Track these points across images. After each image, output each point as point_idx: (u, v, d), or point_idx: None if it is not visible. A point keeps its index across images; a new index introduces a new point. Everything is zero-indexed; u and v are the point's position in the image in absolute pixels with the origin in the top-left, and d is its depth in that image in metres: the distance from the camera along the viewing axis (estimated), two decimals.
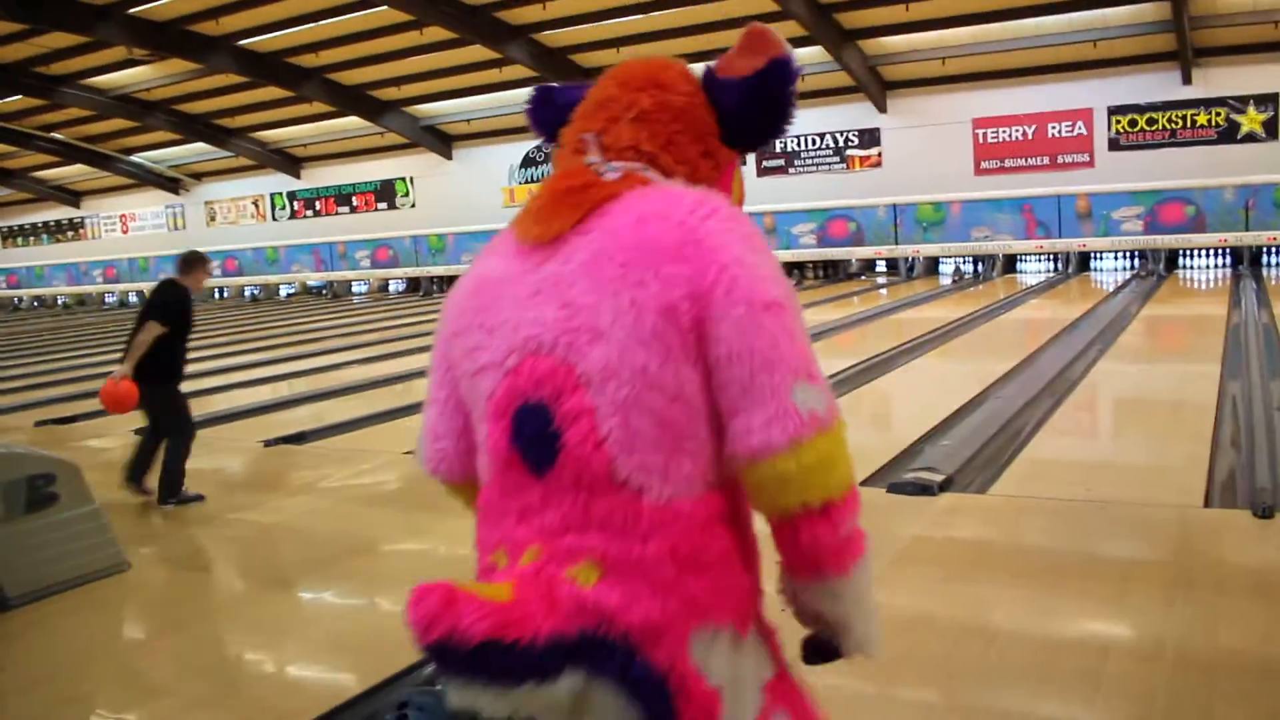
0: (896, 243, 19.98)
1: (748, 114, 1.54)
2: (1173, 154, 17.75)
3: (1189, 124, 17.66)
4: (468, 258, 24.55)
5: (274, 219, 28.70)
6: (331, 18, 18.57)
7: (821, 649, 1.48)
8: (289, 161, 27.46)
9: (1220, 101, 17.35)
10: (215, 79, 21.66)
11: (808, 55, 17.16)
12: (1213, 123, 17.47)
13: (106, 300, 32.42)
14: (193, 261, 6.05)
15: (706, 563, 1.34)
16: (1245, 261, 17.00)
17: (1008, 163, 19.25)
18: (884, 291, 18.29)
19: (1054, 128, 18.76)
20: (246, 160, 27.34)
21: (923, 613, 3.56)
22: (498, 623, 1.22)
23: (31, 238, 34.61)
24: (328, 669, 3.77)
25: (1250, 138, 17.27)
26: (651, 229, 1.36)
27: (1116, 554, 4.22)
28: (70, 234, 33.46)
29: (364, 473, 6.53)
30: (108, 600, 4.45)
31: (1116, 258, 18.35)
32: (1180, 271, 17.57)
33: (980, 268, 19.63)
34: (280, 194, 28.44)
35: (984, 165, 19.47)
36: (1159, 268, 17.48)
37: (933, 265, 20.10)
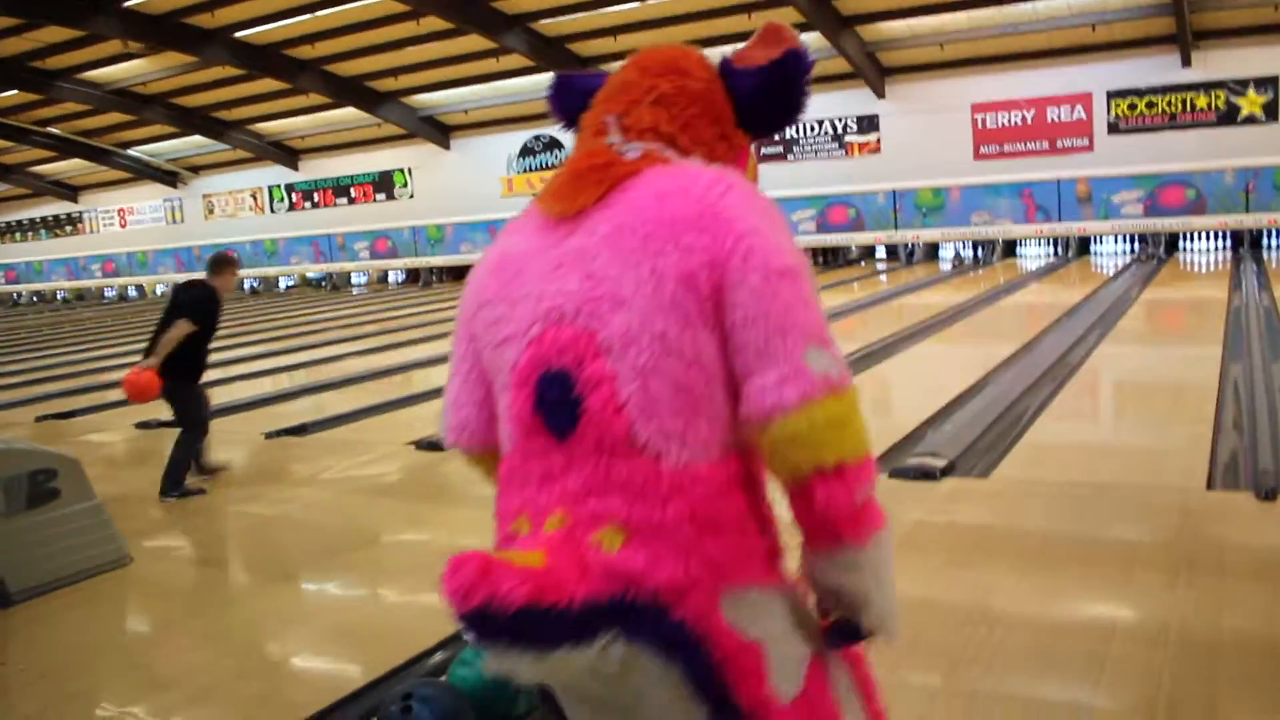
0: (896, 228, 19.94)
1: (763, 101, 1.61)
2: (1172, 137, 17.70)
3: (1189, 107, 17.61)
4: (467, 248, 24.54)
5: (272, 211, 28.64)
6: (328, 9, 18.50)
7: (843, 630, 1.49)
8: (287, 153, 27.41)
9: (1220, 84, 17.29)
10: (211, 71, 21.59)
11: (805, 41, 17.03)
12: (1212, 106, 17.42)
13: (106, 295, 32.40)
14: (222, 263, 6.20)
15: (725, 525, 1.38)
16: (1246, 244, 16.97)
17: (1007, 147, 19.20)
18: (884, 277, 18.28)
19: (1053, 112, 18.70)
20: (244, 153, 27.27)
21: (926, 597, 3.55)
22: (535, 588, 1.25)
23: (30, 233, 34.56)
24: (332, 660, 3.77)
25: (1250, 120, 17.22)
26: (671, 203, 1.41)
27: (1119, 537, 4.22)
28: (68, 229, 33.42)
29: (365, 464, 6.53)
30: (110, 594, 4.45)
31: (1117, 241, 18.32)
32: (1180, 255, 17.54)
33: (980, 253, 19.59)
34: (278, 186, 28.38)
35: (983, 150, 19.43)
36: (1159, 251, 17.45)
37: (932, 251, 20.07)
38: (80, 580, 4.46)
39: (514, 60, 20.13)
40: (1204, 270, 15.82)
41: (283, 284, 28.68)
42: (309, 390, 9.71)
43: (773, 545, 1.48)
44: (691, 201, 1.41)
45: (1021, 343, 8.96)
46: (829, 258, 21.10)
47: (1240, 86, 17.17)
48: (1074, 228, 18.32)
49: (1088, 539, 4.22)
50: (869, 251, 21.04)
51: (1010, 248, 19.29)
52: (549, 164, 23.59)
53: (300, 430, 7.45)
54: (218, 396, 7.18)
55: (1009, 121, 19.13)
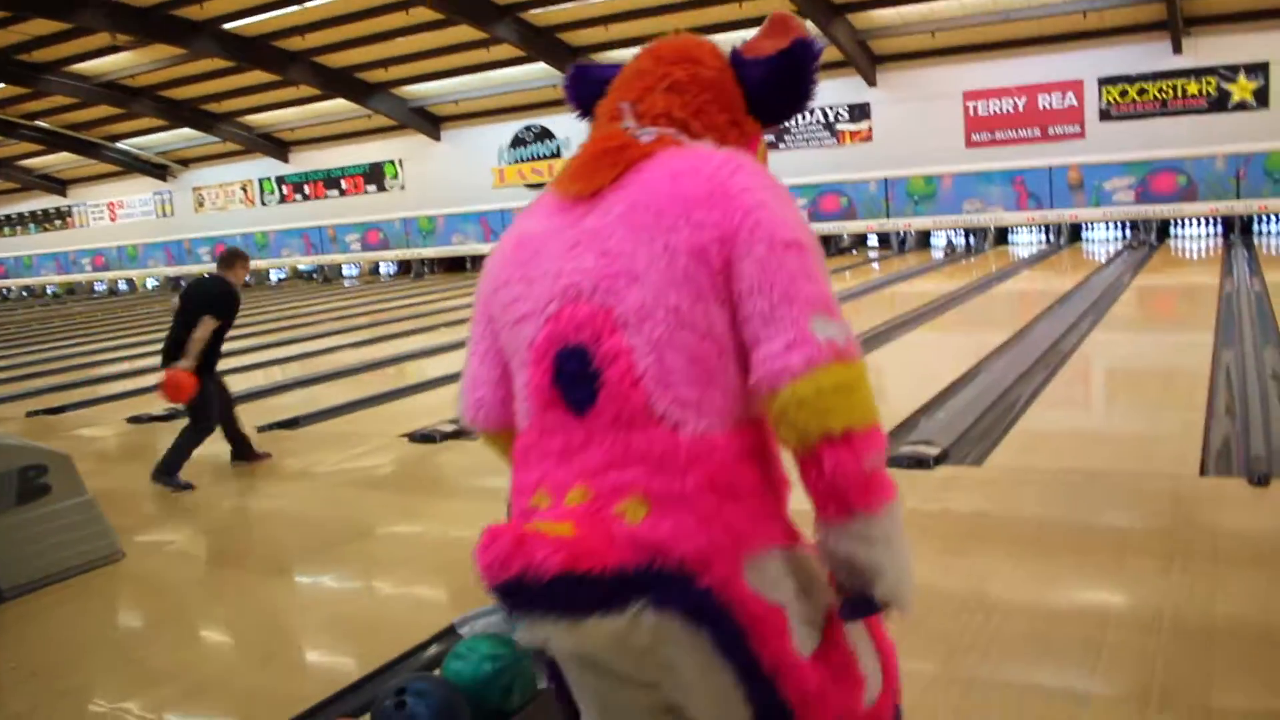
0: (888, 216, 19.94)
1: (772, 90, 1.67)
2: (1164, 124, 17.71)
3: (1180, 94, 17.61)
4: (458, 239, 24.48)
5: (263, 204, 28.55)
6: (317, 0, 18.42)
7: (857, 602, 1.50)
8: (277, 146, 27.31)
9: (1211, 71, 17.29)
10: (200, 64, 21.50)
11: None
12: (1203, 92, 17.43)
13: (96, 289, 32.28)
14: (234, 256, 6.35)
15: (742, 493, 1.43)
16: (1237, 230, 16.98)
17: (999, 135, 19.20)
18: (876, 266, 18.28)
19: (1045, 99, 18.69)
20: (234, 145, 27.17)
21: (921, 585, 3.49)
22: (570, 555, 1.29)
23: (19, 227, 34.40)
24: (327, 654, 3.76)
25: (1241, 106, 17.23)
26: (684, 182, 1.47)
27: (1113, 524, 4.22)
28: (58, 223, 33.26)
29: (358, 456, 6.51)
30: (102, 590, 4.43)
31: (1108, 228, 18.33)
32: (1172, 241, 17.55)
33: (972, 240, 19.60)
34: (269, 178, 28.28)
35: (975, 138, 19.42)
36: (1151, 238, 17.46)
37: (924, 239, 20.07)
38: (72, 576, 4.44)
39: (504, 50, 20.06)
40: (1195, 256, 15.84)
41: (274, 277, 28.59)
42: (301, 383, 9.67)
43: (787, 513, 1.52)
44: (702, 180, 1.46)
45: (1014, 330, 8.97)
46: (821, 246, 21.04)
47: (1231, 73, 17.18)
48: (1066, 215, 18.33)
49: (1082, 526, 4.22)
50: (861, 240, 21.04)
51: (1002, 235, 19.29)
52: (540, 154, 23.54)
53: (292, 423, 7.43)
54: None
55: (1000, 109, 19.12)
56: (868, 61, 19.71)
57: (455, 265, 25.08)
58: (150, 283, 31.34)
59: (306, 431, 7.31)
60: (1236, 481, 4.55)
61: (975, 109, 19.32)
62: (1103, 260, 15.69)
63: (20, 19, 18.72)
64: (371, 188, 26.56)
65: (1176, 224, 17.74)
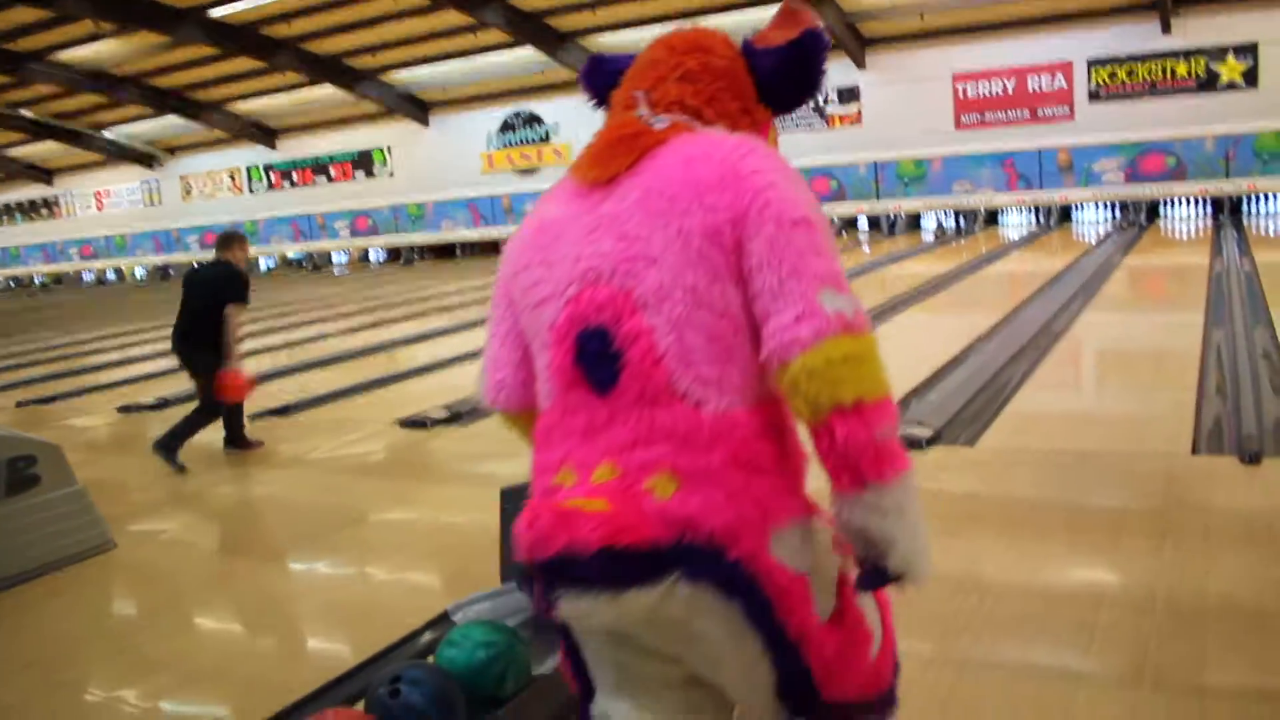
0: (878, 199, 19.94)
1: (783, 78, 1.72)
2: (1153, 105, 17.71)
3: (1169, 74, 17.61)
4: (448, 225, 24.42)
5: (251, 192, 28.41)
6: None
7: (872, 574, 1.52)
8: (264, 133, 27.15)
9: (1200, 51, 17.29)
10: (186, 51, 21.34)
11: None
12: (1192, 73, 17.42)
13: (84, 278, 32.12)
14: (233, 238, 6.41)
15: (765, 467, 1.47)
16: (1226, 211, 17.02)
17: (988, 116, 19.18)
18: (866, 248, 18.27)
19: (1034, 80, 18.68)
20: (221, 133, 27.01)
21: None
22: (610, 530, 1.34)
23: (4, 217, 34.18)
24: (321, 641, 3.76)
25: (1230, 87, 17.23)
26: (697, 167, 1.51)
27: (1106, 504, 4.24)
28: (44, 212, 33.05)
29: (350, 443, 6.50)
30: (95, 580, 4.41)
31: (1098, 209, 18.36)
32: (1161, 222, 17.59)
33: (962, 222, 19.61)
34: (257, 166, 28.13)
35: (964, 120, 19.40)
36: (1140, 218, 17.50)
37: (914, 221, 20.08)
38: (63, 567, 4.43)
39: (492, 35, 19.95)
40: (1185, 237, 15.87)
41: (263, 265, 28.48)
42: (292, 370, 9.65)
43: (804, 482, 1.57)
44: (715, 164, 1.50)
45: (1004, 312, 8.98)
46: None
47: (1220, 53, 17.18)
48: (1055, 196, 18.35)
49: (1074, 506, 4.24)
50: (851, 222, 21.02)
51: (992, 217, 19.31)
52: (529, 139, 23.46)
53: (284, 411, 7.41)
54: None
55: (990, 91, 19.10)
56: (857, 44, 19.66)
57: (445, 251, 25.02)
58: (139, 272, 31.19)
59: (298, 419, 7.29)
60: (1228, 460, 4.57)
61: (964, 91, 19.30)
62: (1093, 241, 15.72)
63: (2, 7, 18.54)
64: (360, 174, 26.45)
65: (1166, 204, 17.78)
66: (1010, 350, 7.24)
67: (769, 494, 1.47)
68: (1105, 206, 18.24)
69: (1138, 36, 17.67)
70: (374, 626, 3.47)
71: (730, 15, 16.39)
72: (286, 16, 19.76)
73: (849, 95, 20.40)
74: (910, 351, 7.80)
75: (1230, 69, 17.17)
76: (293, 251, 27.74)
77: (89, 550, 4.55)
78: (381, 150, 25.96)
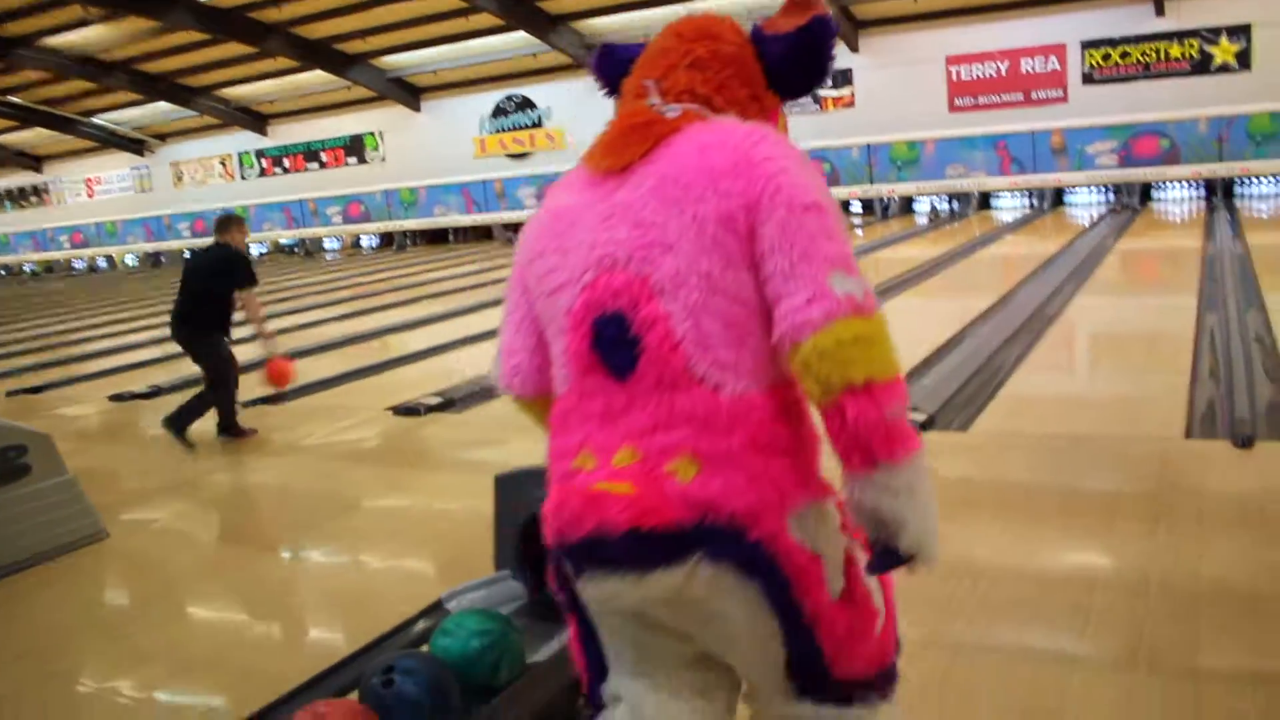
0: (871, 182, 19.89)
1: (792, 65, 1.73)
2: (1146, 87, 17.67)
3: (1162, 57, 17.56)
4: (440, 210, 24.30)
5: (242, 178, 28.25)
6: None
7: (884, 555, 1.53)
8: (255, 119, 26.99)
9: (1193, 33, 17.23)
10: (176, 36, 21.17)
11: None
12: (1186, 55, 17.38)
13: (75, 266, 31.97)
14: (231, 221, 6.44)
15: (782, 449, 1.50)
16: (1219, 193, 17.00)
17: (981, 99, 19.12)
18: (860, 232, 18.25)
19: (1027, 63, 18.62)
20: (212, 119, 26.82)
21: None
22: (638, 512, 1.38)
23: None
24: (315, 630, 3.75)
25: (1224, 69, 17.19)
26: (711, 154, 1.53)
27: (1099, 488, 4.24)
28: (34, 199, 32.84)
29: (344, 430, 6.49)
30: (87, 570, 4.40)
31: (1091, 192, 18.33)
32: (1155, 204, 17.58)
33: (955, 205, 19.58)
34: (248, 152, 27.97)
35: (958, 102, 19.34)
36: (1134, 201, 17.48)
37: (908, 204, 20.04)
38: (55, 557, 4.41)
39: (483, 19, 19.82)
40: (1178, 220, 15.87)
41: (255, 251, 28.35)
42: (284, 357, 9.60)
43: (818, 463, 1.60)
44: (728, 152, 1.52)
45: (998, 295, 8.97)
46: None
47: (1213, 35, 17.13)
48: (1049, 179, 18.32)
49: (1068, 490, 4.24)
50: (844, 206, 20.97)
51: (985, 200, 19.28)
52: (522, 124, 23.35)
53: (277, 398, 7.38)
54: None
55: (983, 74, 19.04)
56: (850, 27, 19.58)
57: (438, 237, 24.92)
58: (130, 259, 31.05)
59: (291, 406, 7.27)
60: (1221, 444, 4.57)
61: (958, 74, 19.24)
62: (1086, 224, 15.69)
63: None
64: (352, 160, 26.30)
65: (1159, 187, 17.75)
66: (1004, 334, 7.24)
67: (787, 476, 1.50)
68: (1099, 189, 18.22)
69: (1131, 19, 17.62)
70: (368, 615, 3.46)
71: None
72: (277, 1, 19.63)
73: (842, 78, 20.31)
74: (903, 335, 7.72)
75: (1223, 51, 17.13)
76: (285, 238, 27.61)
77: (81, 540, 4.54)
78: (373, 135, 25.82)
